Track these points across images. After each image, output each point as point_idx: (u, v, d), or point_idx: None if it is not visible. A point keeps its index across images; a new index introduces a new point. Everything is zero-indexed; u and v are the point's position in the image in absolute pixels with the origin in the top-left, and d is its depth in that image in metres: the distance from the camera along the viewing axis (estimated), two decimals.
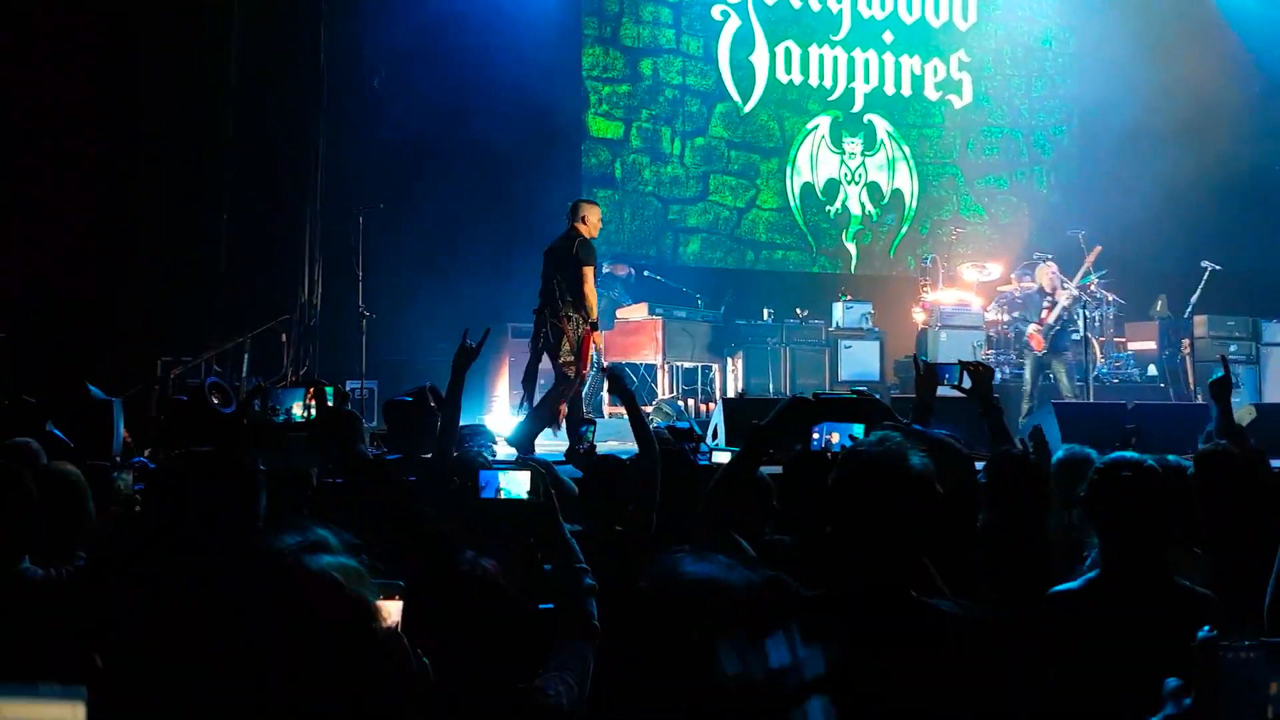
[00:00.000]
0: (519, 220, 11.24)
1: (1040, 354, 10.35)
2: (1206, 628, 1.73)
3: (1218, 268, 11.43)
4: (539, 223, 11.38)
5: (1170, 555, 2.67)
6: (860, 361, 11.74)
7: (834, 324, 11.86)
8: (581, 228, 7.92)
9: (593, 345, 7.63)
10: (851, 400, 5.32)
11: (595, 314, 7.69)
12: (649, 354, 10.90)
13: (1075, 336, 10.70)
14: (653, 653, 1.86)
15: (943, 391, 4.20)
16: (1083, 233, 11.85)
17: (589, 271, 7.68)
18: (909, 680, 2.02)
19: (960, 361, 4.09)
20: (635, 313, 11.09)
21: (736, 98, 13.09)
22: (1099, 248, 11.08)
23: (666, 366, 10.88)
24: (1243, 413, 7.08)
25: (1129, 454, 2.73)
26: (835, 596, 2.15)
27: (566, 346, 7.60)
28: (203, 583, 2.10)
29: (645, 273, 11.75)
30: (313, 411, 5.23)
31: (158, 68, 9.44)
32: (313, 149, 9.51)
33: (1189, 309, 11.65)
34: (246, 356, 8.59)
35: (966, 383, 3.97)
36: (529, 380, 7.73)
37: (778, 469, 3.45)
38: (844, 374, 11.57)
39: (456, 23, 10.64)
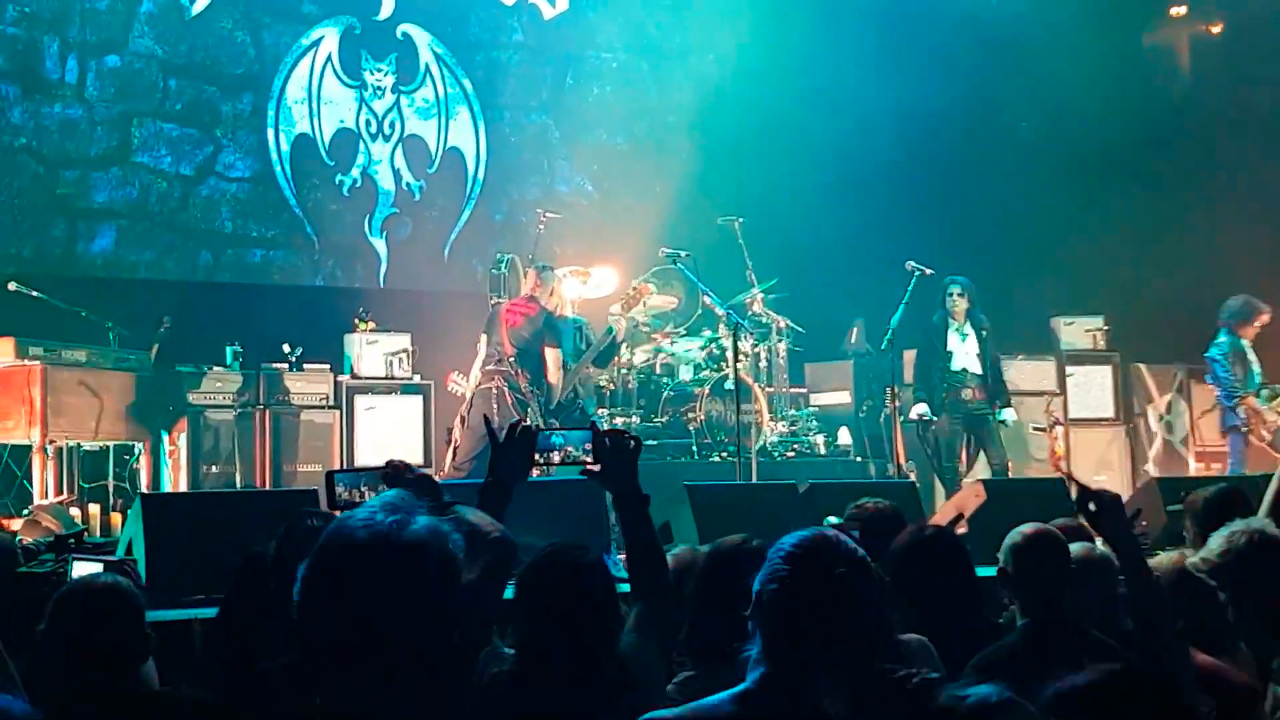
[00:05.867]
0: None
1: None
2: None
3: (930, 272, 7.70)
4: None
5: None
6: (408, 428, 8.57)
7: (348, 369, 8.56)
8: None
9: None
10: None
11: None
12: (17, 427, 7.39)
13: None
14: None
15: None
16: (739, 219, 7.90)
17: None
18: None
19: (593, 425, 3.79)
20: None
21: None
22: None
23: (53, 447, 7.37)
24: None
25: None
26: None
27: None
28: None
29: (11, 285, 7.98)
30: None
31: None
32: None
33: (889, 334, 7.77)
34: None
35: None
36: None
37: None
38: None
39: None
